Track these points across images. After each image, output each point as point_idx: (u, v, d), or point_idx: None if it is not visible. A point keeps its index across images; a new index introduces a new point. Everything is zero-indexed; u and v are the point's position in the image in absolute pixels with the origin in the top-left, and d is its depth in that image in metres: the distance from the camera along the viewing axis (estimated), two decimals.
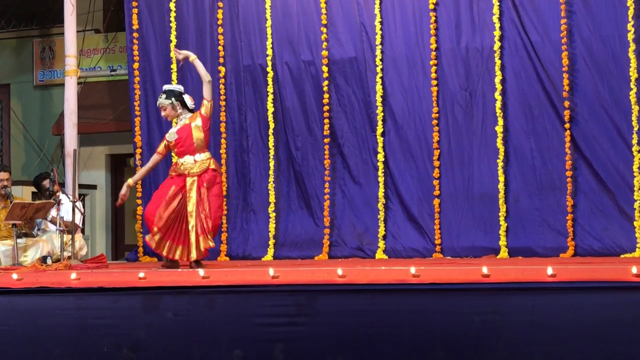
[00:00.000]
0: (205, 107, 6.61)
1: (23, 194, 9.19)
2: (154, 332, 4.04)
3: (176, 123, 6.77)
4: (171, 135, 6.62)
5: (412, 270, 4.14)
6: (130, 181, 6.77)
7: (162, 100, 6.65)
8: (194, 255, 6.36)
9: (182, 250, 6.42)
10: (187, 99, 6.70)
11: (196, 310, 4.07)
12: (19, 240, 7.27)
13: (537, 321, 3.68)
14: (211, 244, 6.44)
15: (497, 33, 7.80)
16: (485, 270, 4.03)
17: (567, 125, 7.59)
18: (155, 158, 6.80)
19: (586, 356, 3.59)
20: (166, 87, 6.83)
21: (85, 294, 4.17)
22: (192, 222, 6.36)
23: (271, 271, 4.34)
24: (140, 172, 7.13)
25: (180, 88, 6.82)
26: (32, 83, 11.46)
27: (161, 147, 6.76)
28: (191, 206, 6.37)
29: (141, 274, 4.42)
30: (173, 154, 6.69)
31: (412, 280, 4.01)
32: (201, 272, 4.44)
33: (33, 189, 8.81)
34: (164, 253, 6.47)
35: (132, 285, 4.20)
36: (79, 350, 4.06)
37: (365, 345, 3.86)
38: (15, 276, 4.62)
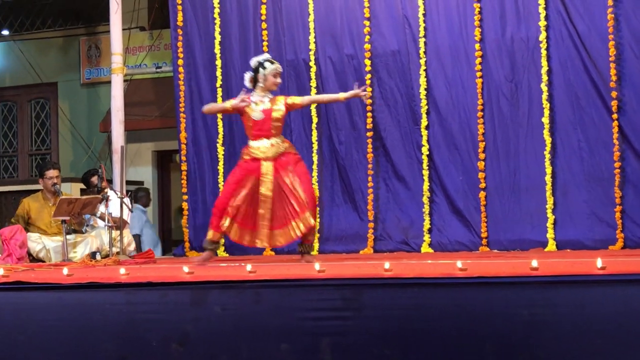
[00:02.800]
0: (295, 99, 6.37)
1: (72, 190, 9.34)
2: (201, 326, 4.07)
3: (256, 102, 6.27)
4: (256, 113, 6.21)
5: (459, 264, 4.11)
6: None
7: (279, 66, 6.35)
8: (296, 233, 6.10)
9: (251, 235, 6.24)
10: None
11: (243, 305, 4.08)
12: (68, 237, 7.39)
13: (586, 314, 3.63)
14: (312, 221, 6.08)
15: (542, 23, 7.70)
16: (534, 263, 3.99)
17: (614, 116, 7.48)
18: (224, 107, 6.57)
19: (638, 350, 3.54)
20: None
21: (134, 289, 4.20)
22: (265, 207, 6.12)
23: (317, 265, 4.35)
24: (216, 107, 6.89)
25: None
26: (79, 81, 11.63)
27: (232, 104, 6.31)
28: (268, 190, 6.14)
29: (186, 269, 4.46)
30: (246, 133, 6.37)
31: (459, 274, 3.98)
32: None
33: (82, 185, 8.96)
34: (235, 238, 6.29)
35: (180, 280, 4.24)
36: (127, 345, 4.10)
37: (412, 339, 3.84)
38: (65, 271, 4.69)
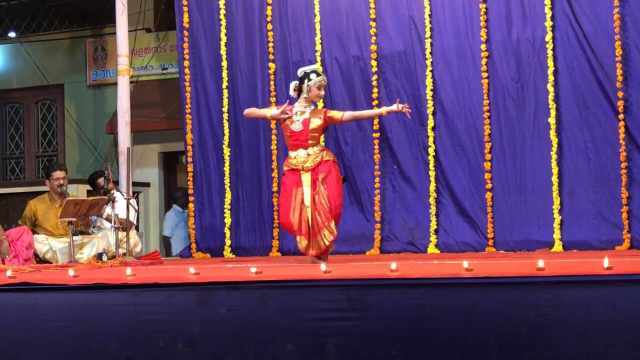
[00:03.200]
0: (335, 114, 6.27)
1: (78, 192, 9.36)
2: (208, 327, 4.08)
3: (297, 112, 6.21)
4: (296, 124, 6.15)
5: (465, 264, 4.10)
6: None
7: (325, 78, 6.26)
8: (312, 251, 6.10)
9: (308, 243, 6.15)
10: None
11: (249, 305, 4.08)
12: (75, 238, 7.41)
13: (593, 314, 3.62)
14: (327, 241, 6.06)
15: (548, 24, 7.70)
16: (540, 263, 3.98)
17: (621, 116, 7.47)
18: (264, 115, 6.42)
19: None
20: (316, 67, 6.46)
21: (140, 290, 4.21)
22: (309, 215, 6.08)
23: (323, 266, 4.35)
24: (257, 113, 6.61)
25: None
26: (85, 83, 11.65)
27: (272, 114, 6.29)
28: (307, 200, 6.09)
29: (192, 270, 4.46)
30: (285, 142, 6.33)
31: (465, 275, 3.98)
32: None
33: (88, 187, 8.97)
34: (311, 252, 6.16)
35: (187, 281, 4.24)
36: (134, 345, 4.11)
37: (418, 339, 3.84)
38: (71, 272, 4.70)
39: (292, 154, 6.21)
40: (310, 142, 6.15)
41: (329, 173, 6.13)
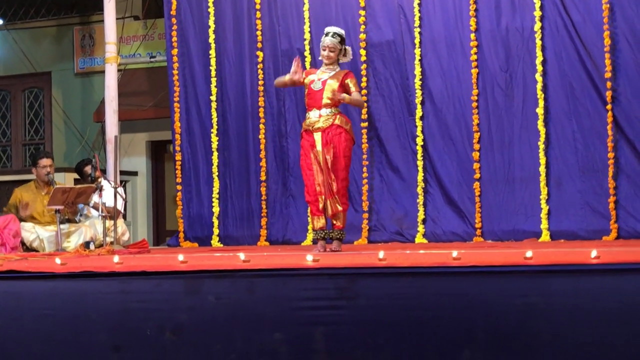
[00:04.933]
0: (351, 86, 6.14)
1: (65, 180, 9.31)
2: (196, 315, 4.08)
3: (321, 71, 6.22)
4: (316, 83, 6.14)
5: (454, 253, 4.11)
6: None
7: (335, 41, 6.14)
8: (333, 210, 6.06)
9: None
10: (349, 50, 6.30)
11: (237, 294, 4.09)
12: (62, 226, 7.37)
13: (580, 304, 3.64)
14: (339, 207, 6.07)
15: (537, 13, 7.69)
16: (528, 253, 3.99)
17: (609, 106, 7.48)
18: (284, 81, 6.37)
19: (630, 339, 3.55)
20: (334, 29, 6.27)
21: (128, 278, 4.20)
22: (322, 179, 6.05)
23: (310, 255, 4.35)
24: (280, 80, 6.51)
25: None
26: (72, 71, 11.57)
27: (287, 77, 6.27)
28: (322, 162, 6.06)
29: (181, 257, 4.45)
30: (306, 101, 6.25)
31: (453, 263, 3.99)
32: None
33: (75, 175, 8.92)
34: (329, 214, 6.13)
35: (175, 269, 4.23)
36: (122, 333, 4.10)
37: (406, 328, 3.85)
38: (58, 261, 4.68)
39: (307, 114, 6.21)
40: (324, 102, 6.10)
41: (339, 144, 6.06)
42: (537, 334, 3.67)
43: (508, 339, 3.71)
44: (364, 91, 8.16)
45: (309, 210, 8.06)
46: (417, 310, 3.88)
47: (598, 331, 3.60)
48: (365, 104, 8.20)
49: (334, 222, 6.18)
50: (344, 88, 6.15)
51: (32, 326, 4.26)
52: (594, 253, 3.85)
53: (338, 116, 6.13)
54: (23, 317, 4.28)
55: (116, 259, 4.65)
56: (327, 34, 6.20)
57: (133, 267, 4.39)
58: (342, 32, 6.28)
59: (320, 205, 6.12)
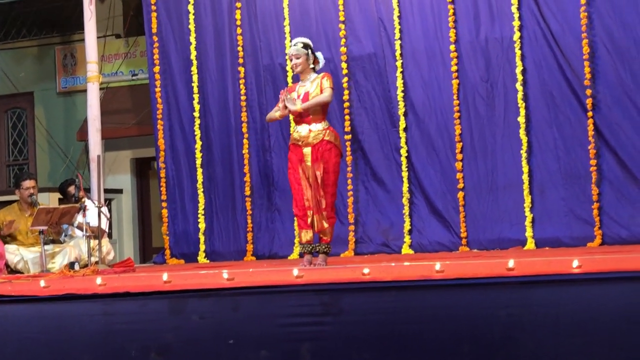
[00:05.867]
0: (325, 83, 6.02)
1: (50, 200, 9.27)
2: (181, 336, 4.07)
3: (297, 84, 6.21)
4: (297, 102, 6.04)
5: (437, 266, 4.12)
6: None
7: (299, 48, 6.06)
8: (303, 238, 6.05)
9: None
10: (320, 55, 6.20)
11: (222, 312, 4.08)
12: (46, 247, 7.35)
13: (563, 313, 3.65)
14: (325, 224, 6.00)
15: (516, 23, 7.73)
16: (510, 263, 4.00)
17: (589, 114, 7.52)
18: (275, 116, 6.31)
19: (614, 348, 3.56)
20: (299, 39, 6.21)
21: (112, 299, 4.19)
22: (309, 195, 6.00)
23: (295, 271, 4.35)
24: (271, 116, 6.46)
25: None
26: (55, 90, 11.54)
27: (276, 109, 6.24)
28: (311, 177, 6.00)
29: (165, 276, 4.44)
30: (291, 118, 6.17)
31: (437, 276, 4.00)
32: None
33: (59, 195, 8.89)
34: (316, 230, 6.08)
35: (159, 290, 4.22)
36: (106, 356, 4.09)
37: (391, 342, 3.85)
38: (42, 283, 4.66)
39: (296, 128, 6.13)
40: (312, 117, 6.01)
41: (328, 161, 6.02)
42: (521, 345, 3.68)
43: (492, 350, 3.72)
44: (346, 104, 8.18)
45: (295, 224, 8.12)
46: (402, 324, 3.89)
47: (581, 340, 3.61)
48: (348, 117, 8.22)
49: (321, 236, 6.18)
50: (321, 87, 6.05)
51: (16, 350, 4.24)
52: (575, 263, 3.86)
53: (328, 131, 6.08)
54: (7, 340, 4.26)
55: (99, 280, 4.63)
56: (292, 46, 6.17)
57: (116, 288, 4.37)
58: (306, 40, 6.22)
59: (309, 220, 6.09)
